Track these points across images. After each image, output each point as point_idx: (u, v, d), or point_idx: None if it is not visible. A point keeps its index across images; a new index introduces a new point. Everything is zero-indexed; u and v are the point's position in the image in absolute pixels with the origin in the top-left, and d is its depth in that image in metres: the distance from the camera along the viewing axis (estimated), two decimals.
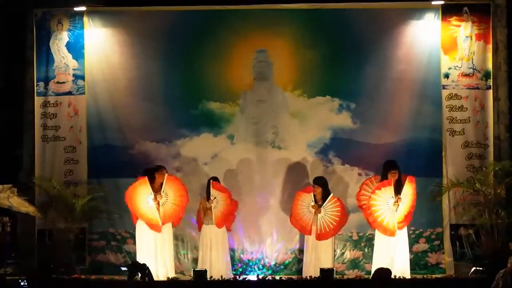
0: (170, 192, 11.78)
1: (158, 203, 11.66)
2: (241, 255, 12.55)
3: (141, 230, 11.72)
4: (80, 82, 12.76)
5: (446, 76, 12.69)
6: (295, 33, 12.75)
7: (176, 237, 12.47)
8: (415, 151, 12.49)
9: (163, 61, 12.76)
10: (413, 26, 12.71)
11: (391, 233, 11.52)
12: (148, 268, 10.62)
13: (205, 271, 11.38)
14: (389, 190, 11.54)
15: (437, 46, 12.67)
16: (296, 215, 11.89)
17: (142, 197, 11.68)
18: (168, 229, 11.83)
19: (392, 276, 11.26)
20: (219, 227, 11.78)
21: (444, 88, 12.69)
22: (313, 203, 11.78)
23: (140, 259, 11.43)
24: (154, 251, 11.63)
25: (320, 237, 11.70)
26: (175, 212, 11.81)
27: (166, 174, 11.82)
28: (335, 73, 12.71)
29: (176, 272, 12.16)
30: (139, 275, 10.69)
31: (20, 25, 12.89)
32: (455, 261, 12.43)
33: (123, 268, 11.13)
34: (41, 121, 12.74)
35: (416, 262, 12.38)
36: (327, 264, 11.58)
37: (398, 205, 11.50)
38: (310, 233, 11.77)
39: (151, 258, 11.47)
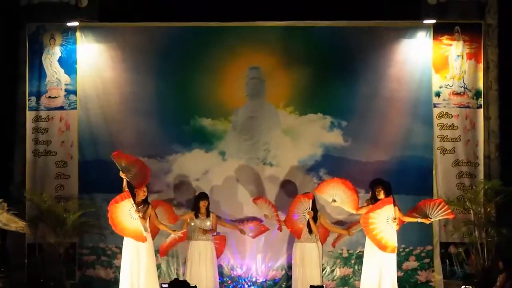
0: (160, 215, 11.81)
1: (139, 216, 11.57)
2: (231, 271, 12.54)
3: (126, 246, 11.63)
4: (72, 97, 12.78)
5: (437, 94, 12.75)
6: (287, 50, 12.79)
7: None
8: (406, 169, 12.52)
9: (156, 77, 12.79)
10: (404, 44, 12.77)
11: (392, 250, 11.36)
12: (189, 284, 10.41)
13: (195, 287, 11.35)
14: (389, 209, 11.39)
15: (429, 64, 12.73)
16: (291, 217, 11.76)
17: (124, 210, 11.58)
18: (149, 245, 11.73)
19: None
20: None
21: (435, 106, 12.74)
22: (309, 210, 11.75)
23: (123, 273, 11.40)
24: (137, 266, 11.55)
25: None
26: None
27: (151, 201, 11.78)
28: (327, 91, 12.76)
29: None
30: None
31: (13, 39, 12.91)
32: (445, 279, 12.45)
33: (164, 286, 10.93)
34: (33, 136, 12.75)
35: (406, 280, 12.41)
36: (315, 280, 11.53)
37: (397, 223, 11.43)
38: (299, 237, 11.69)
39: (134, 274, 11.35)
